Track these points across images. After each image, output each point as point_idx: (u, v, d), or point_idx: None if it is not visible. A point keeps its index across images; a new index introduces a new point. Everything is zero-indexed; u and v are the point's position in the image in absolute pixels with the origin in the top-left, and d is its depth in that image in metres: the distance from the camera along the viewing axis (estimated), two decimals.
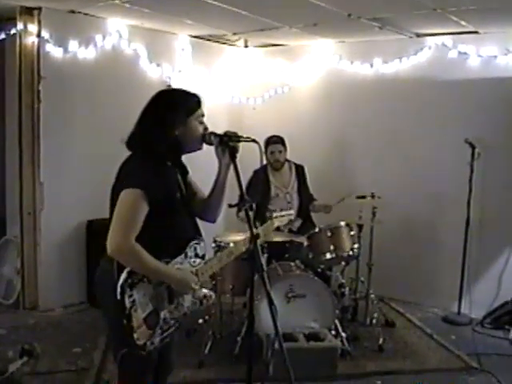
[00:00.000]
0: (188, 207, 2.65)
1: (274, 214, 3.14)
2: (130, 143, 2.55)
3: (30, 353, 4.17)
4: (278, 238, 4.66)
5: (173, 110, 2.53)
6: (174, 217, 2.52)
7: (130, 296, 2.34)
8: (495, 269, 5.50)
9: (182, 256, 2.54)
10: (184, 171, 2.73)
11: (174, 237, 2.53)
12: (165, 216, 2.46)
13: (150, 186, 2.39)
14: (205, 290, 2.61)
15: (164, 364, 2.72)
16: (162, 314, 2.45)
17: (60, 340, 4.66)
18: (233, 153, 2.50)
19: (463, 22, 5.04)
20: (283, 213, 3.16)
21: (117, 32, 5.60)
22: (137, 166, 2.48)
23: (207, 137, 2.55)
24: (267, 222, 3.03)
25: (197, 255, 2.60)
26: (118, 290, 2.32)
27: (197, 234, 2.66)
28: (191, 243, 2.59)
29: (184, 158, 2.70)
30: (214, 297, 2.66)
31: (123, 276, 2.33)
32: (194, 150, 2.61)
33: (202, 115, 2.60)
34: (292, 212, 3.32)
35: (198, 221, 2.74)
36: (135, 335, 2.35)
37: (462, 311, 5.46)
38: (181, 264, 2.53)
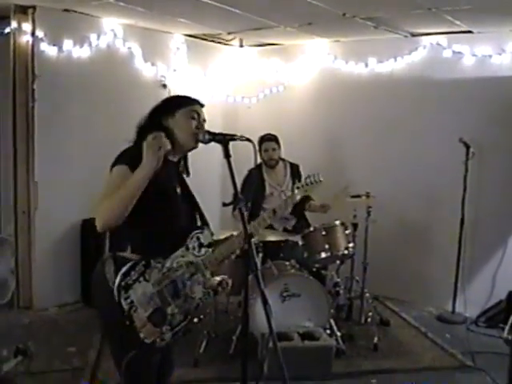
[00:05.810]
0: (190, 204, 2.67)
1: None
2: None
3: (24, 352, 4.17)
4: (272, 238, 4.65)
5: (163, 105, 2.65)
6: (170, 210, 2.52)
7: (127, 298, 2.34)
8: (489, 268, 5.51)
9: (183, 249, 2.52)
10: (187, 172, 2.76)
11: (171, 231, 2.51)
12: (160, 208, 2.46)
13: (137, 164, 2.37)
14: (217, 278, 2.59)
15: (166, 364, 2.72)
16: (170, 310, 2.43)
17: (54, 339, 4.66)
18: (227, 151, 2.49)
19: (458, 22, 5.06)
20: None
21: (111, 31, 5.59)
22: (127, 149, 2.52)
23: (201, 135, 2.55)
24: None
25: (201, 245, 2.57)
26: (115, 293, 2.33)
27: (196, 226, 2.64)
28: (192, 234, 2.56)
29: None
30: (230, 282, 2.64)
31: (117, 280, 2.34)
32: (189, 149, 2.63)
33: (196, 113, 2.61)
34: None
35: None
36: (141, 334, 2.35)
37: (457, 310, 5.47)
38: (182, 257, 2.51)
